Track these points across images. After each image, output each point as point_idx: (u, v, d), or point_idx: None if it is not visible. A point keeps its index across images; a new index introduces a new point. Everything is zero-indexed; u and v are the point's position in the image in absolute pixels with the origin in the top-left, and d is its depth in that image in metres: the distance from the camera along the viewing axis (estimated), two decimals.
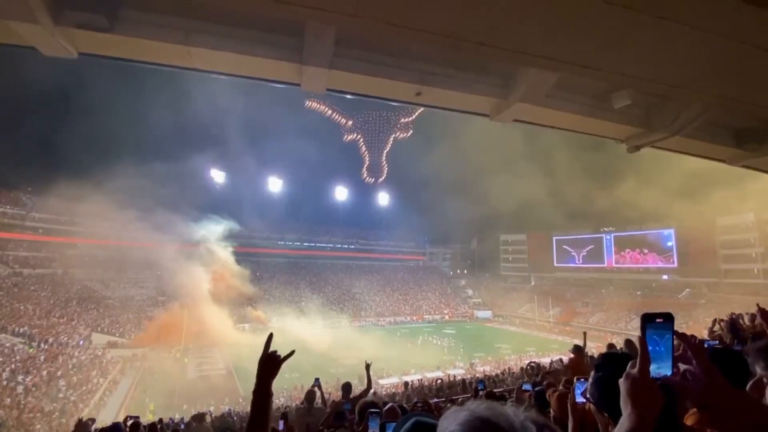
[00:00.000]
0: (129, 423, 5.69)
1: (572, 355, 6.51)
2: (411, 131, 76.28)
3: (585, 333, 8.12)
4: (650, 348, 0.87)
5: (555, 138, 59.30)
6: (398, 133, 75.79)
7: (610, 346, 7.36)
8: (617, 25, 2.79)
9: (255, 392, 1.50)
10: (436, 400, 7.14)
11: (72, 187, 43.71)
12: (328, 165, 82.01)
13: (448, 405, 4.44)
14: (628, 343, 5.39)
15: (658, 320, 0.89)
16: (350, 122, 72.67)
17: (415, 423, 1.16)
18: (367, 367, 5.84)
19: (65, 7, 4.56)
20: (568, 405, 1.69)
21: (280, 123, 75.37)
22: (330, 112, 69.21)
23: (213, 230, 56.03)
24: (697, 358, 0.87)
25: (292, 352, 1.63)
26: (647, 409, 0.81)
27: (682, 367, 0.90)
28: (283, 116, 74.98)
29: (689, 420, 1.11)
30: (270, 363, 1.52)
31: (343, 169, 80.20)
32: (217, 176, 66.15)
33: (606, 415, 1.22)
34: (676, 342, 0.90)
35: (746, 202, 45.13)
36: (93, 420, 7.96)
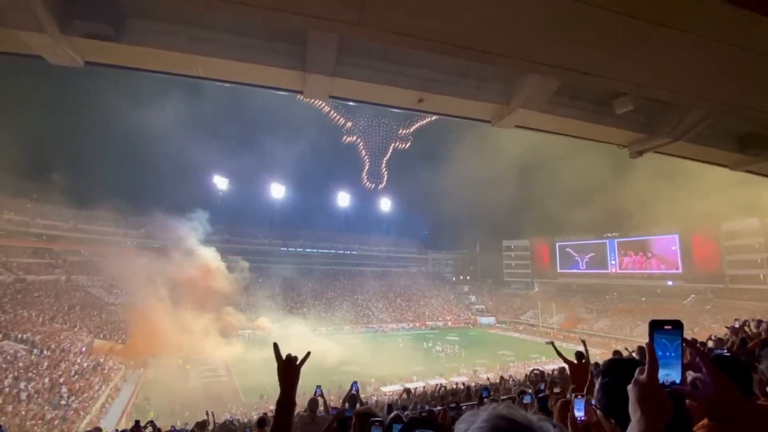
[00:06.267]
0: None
1: (575, 362, 6.45)
2: (410, 142, 76.99)
3: (584, 341, 7.98)
4: (659, 354, 0.87)
5: (557, 143, 59.28)
6: (397, 143, 76.35)
7: (616, 353, 7.29)
8: (619, 32, 2.80)
9: (278, 402, 1.47)
10: (439, 407, 7.08)
11: (75, 193, 44.11)
12: (331, 171, 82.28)
13: (452, 413, 4.41)
14: (641, 350, 5.35)
15: (666, 327, 0.89)
16: (349, 123, 73.13)
17: None
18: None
19: (72, 17, 4.62)
20: (568, 423, 1.67)
21: (282, 129, 75.78)
22: (327, 108, 69.50)
23: (215, 237, 56.20)
24: (706, 365, 0.87)
25: (308, 355, 1.60)
26: (656, 415, 0.80)
27: (690, 375, 0.89)
28: (285, 122, 75.42)
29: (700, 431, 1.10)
30: (289, 369, 1.49)
31: (345, 175, 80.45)
32: (220, 183, 66.45)
33: (613, 421, 1.21)
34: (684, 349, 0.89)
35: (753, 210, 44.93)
36: (99, 429, 7.92)
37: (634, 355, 6.73)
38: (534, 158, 75.34)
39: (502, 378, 14.39)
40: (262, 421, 6.20)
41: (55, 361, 25.21)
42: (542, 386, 7.01)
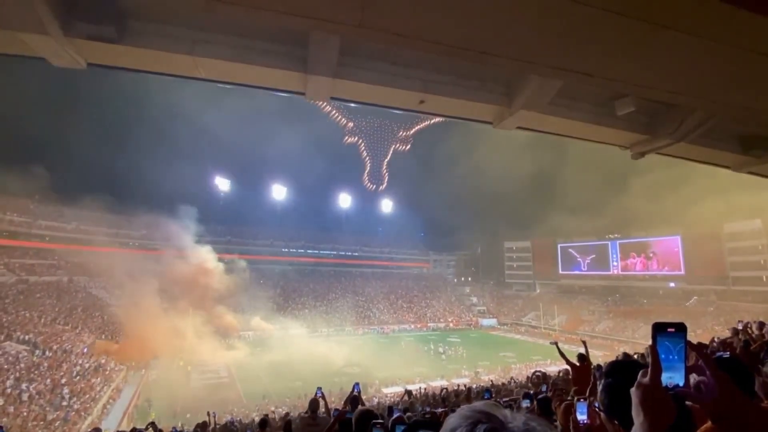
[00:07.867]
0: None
1: (577, 364, 6.43)
2: (410, 144, 77.30)
3: (584, 342, 7.96)
4: (662, 357, 0.86)
5: (559, 143, 59.25)
6: (398, 145, 76.63)
7: (626, 355, 7.25)
8: (620, 33, 2.80)
9: None
10: (441, 409, 7.06)
11: (78, 194, 44.26)
12: (332, 173, 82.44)
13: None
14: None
15: (669, 329, 0.88)
16: (351, 124, 73.41)
17: None
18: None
19: (75, 18, 4.64)
20: (570, 426, 1.67)
21: (284, 131, 75.98)
22: (329, 108, 69.76)
23: (216, 238, 56.28)
24: (709, 368, 0.86)
25: None
26: (659, 418, 0.80)
27: (694, 378, 0.88)
28: (287, 124, 75.64)
29: None
30: None
31: (346, 176, 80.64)
32: (222, 184, 66.57)
33: (616, 422, 1.20)
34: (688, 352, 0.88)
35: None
36: (98, 429, 7.94)
37: (636, 357, 6.70)
38: (536, 159, 75.38)
39: (502, 383, 14.40)
40: (263, 422, 6.19)
41: (57, 362, 25.26)
42: (544, 388, 6.98)
